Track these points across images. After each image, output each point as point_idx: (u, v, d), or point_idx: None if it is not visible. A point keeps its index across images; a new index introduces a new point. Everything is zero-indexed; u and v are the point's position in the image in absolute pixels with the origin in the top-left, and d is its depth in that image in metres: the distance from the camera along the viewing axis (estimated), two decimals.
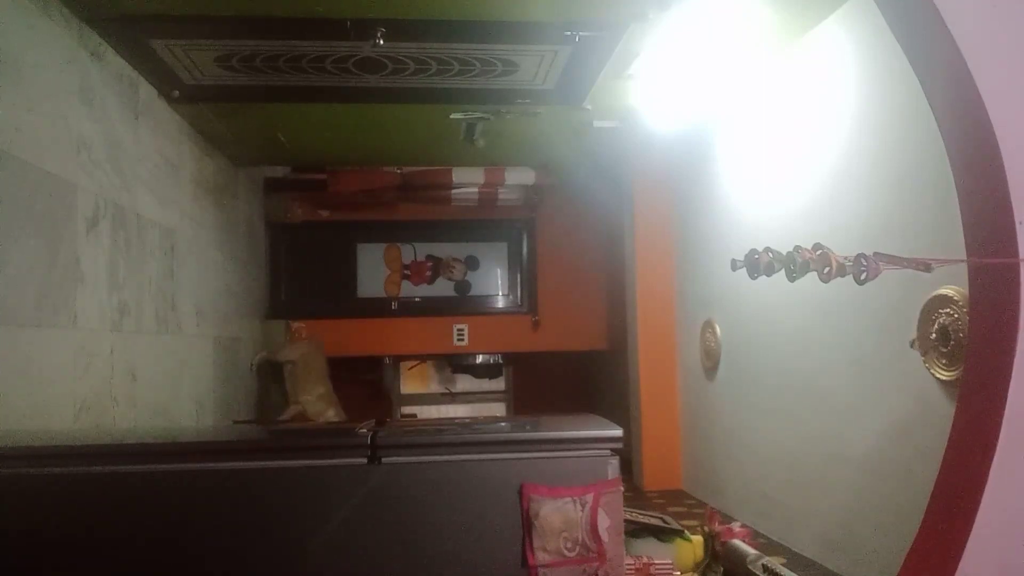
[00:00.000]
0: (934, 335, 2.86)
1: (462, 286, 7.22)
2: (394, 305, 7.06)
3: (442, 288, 7.20)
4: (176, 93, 4.31)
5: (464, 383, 8.33)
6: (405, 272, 7.19)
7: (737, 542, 2.93)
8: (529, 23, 3.54)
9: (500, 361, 7.77)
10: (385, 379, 7.92)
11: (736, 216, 4.84)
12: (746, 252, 2.12)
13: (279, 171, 6.66)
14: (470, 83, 4.25)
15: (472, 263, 7.25)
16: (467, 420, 4.72)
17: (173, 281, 4.44)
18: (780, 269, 2.05)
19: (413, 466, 2.14)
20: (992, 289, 2.07)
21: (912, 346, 2.97)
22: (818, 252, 1.98)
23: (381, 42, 3.57)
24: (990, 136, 1.98)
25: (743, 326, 4.72)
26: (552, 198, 7.04)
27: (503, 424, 2.89)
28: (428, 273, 7.21)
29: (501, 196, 6.86)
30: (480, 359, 7.63)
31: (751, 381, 4.63)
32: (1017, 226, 1.95)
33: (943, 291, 2.80)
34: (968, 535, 1.93)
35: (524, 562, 2.09)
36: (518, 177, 6.69)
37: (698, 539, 2.98)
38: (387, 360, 7.79)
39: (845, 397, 3.57)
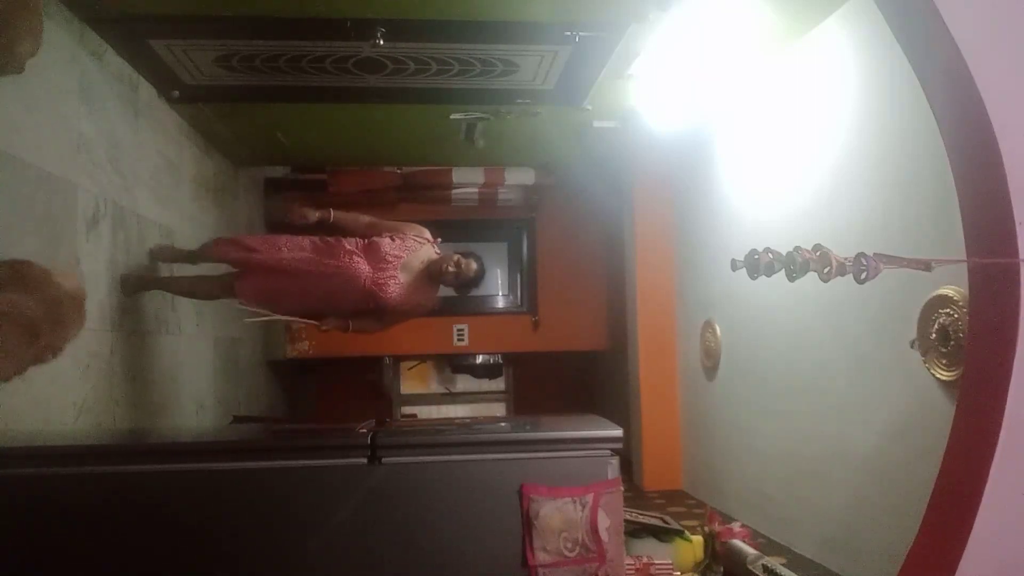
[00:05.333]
0: (934, 335, 2.86)
1: None
2: None
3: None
4: (176, 93, 4.31)
5: (464, 383, 8.32)
6: None
7: (737, 542, 2.94)
8: (529, 23, 3.54)
9: (500, 361, 7.76)
10: (385, 379, 7.90)
11: (736, 216, 4.84)
12: (746, 252, 2.12)
13: (279, 171, 6.64)
14: (470, 83, 4.25)
15: None
16: (467, 420, 4.72)
17: None
18: (780, 269, 2.05)
19: (413, 466, 2.14)
20: (992, 289, 2.07)
21: (912, 346, 2.97)
22: (818, 252, 1.98)
23: (381, 42, 3.57)
24: (990, 136, 1.98)
25: (743, 326, 4.72)
26: (552, 198, 7.02)
27: (503, 424, 2.88)
28: None
29: (501, 196, 6.86)
30: (480, 359, 7.61)
31: (751, 381, 4.63)
32: (1017, 226, 1.96)
33: (943, 291, 2.80)
34: (968, 535, 1.93)
35: (524, 562, 2.09)
36: (518, 177, 6.69)
37: (698, 539, 2.98)
38: (387, 360, 7.77)
39: (845, 397, 3.57)
